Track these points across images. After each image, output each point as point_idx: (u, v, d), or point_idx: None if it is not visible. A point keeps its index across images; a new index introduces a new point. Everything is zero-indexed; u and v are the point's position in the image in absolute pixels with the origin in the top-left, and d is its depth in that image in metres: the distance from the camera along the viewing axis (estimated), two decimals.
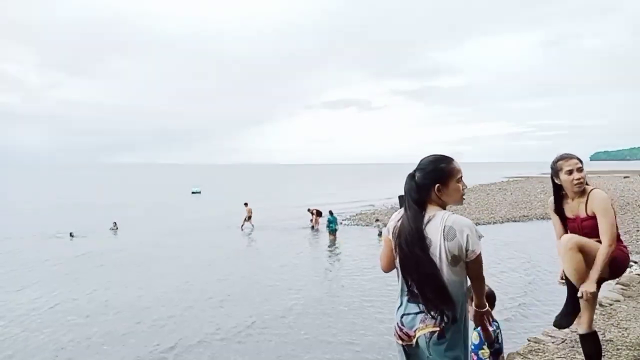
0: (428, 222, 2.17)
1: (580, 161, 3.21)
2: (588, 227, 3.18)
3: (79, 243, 16.34)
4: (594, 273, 3.03)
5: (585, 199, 3.18)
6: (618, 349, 4.77)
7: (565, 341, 5.28)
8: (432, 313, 2.13)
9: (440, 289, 2.11)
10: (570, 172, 3.17)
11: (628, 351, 4.68)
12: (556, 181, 3.27)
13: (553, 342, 5.31)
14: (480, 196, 30.43)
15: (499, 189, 37.40)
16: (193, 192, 41.24)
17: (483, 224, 18.41)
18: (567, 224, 3.34)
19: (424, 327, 2.15)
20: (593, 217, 3.14)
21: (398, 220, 2.27)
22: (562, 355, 4.84)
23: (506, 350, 5.60)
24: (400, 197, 2.45)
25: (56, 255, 14.05)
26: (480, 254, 2.16)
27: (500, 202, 25.82)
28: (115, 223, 18.89)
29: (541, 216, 19.93)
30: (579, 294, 3.06)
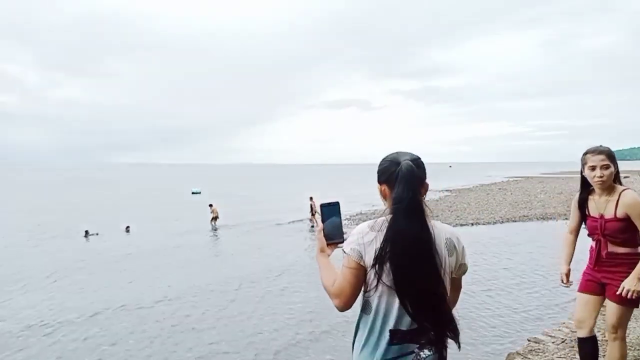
0: (432, 233, 1.69)
1: (611, 157, 3.02)
2: (611, 229, 3.03)
3: (90, 243, 16.44)
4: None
5: (616, 198, 3.00)
6: None
7: (565, 341, 5.28)
8: (426, 348, 1.71)
9: (449, 315, 1.72)
10: (593, 168, 3.03)
11: (628, 351, 4.68)
12: (583, 174, 3.14)
13: (553, 342, 5.31)
14: (480, 196, 30.45)
15: (499, 189, 37.40)
16: (193, 193, 41.25)
17: (483, 224, 18.40)
18: (587, 222, 3.21)
19: None
20: (620, 220, 2.99)
21: (384, 237, 1.66)
22: (562, 355, 4.85)
23: (506, 350, 5.62)
24: (324, 206, 1.93)
25: (63, 254, 14.07)
26: None
27: (500, 202, 25.81)
28: (128, 227, 18.92)
29: (541, 216, 19.94)
30: (621, 291, 2.95)
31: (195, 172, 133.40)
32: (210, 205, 20.62)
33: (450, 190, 37.64)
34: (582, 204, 3.23)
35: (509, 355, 5.21)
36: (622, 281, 3.01)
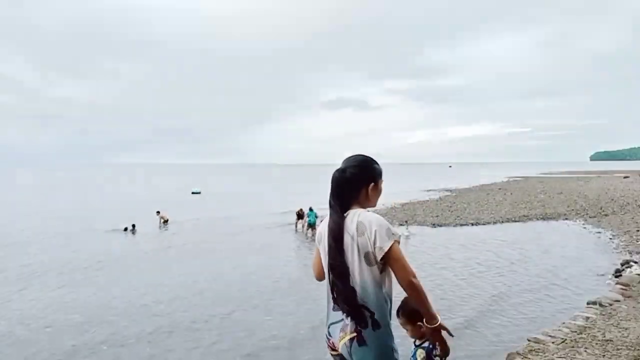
0: (345, 220, 2.09)
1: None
2: None
3: (94, 243, 16.44)
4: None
5: None
6: (618, 349, 4.79)
7: (565, 341, 5.28)
8: (349, 317, 2.03)
9: (350, 290, 2.02)
10: None
11: (628, 351, 4.69)
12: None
13: (553, 342, 5.31)
14: (480, 196, 30.44)
15: (499, 189, 37.39)
16: (193, 193, 41.30)
17: (483, 224, 18.40)
18: None
19: (343, 336, 2.03)
20: None
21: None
22: (562, 355, 4.85)
23: (506, 350, 5.61)
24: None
25: (61, 255, 14.07)
26: (392, 252, 1.97)
27: (500, 202, 25.81)
28: (134, 225, 19.06)
29: (541, 216, 19.94)
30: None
31: (195, 172, 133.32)
32: (158, 213, 21.01)
33: (450, 190, 37.64)
34: None
35: (509, 355, 5.21)
36: None
